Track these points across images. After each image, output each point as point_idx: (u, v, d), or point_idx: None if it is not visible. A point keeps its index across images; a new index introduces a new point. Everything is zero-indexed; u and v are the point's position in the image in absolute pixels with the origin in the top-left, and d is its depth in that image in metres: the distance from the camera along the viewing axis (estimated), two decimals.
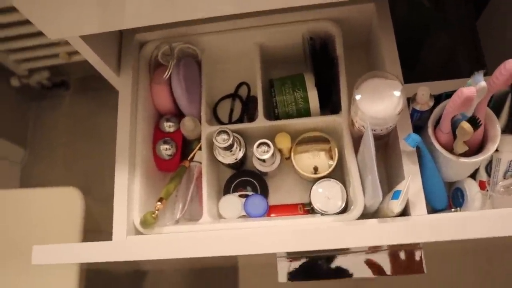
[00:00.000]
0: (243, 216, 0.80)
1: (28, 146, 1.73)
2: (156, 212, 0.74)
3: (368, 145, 0.66)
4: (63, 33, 0.68)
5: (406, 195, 0.67)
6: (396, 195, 0.67)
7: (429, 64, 1.03)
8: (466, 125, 0.60)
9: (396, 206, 0.66)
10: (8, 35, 1.38)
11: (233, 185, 0.85)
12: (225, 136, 0.75)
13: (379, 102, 0.66)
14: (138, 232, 0.77)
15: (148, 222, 0.74)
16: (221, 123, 0.89)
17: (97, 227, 1.21)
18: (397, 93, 0.66)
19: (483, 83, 0.59)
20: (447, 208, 0.78)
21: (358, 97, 0.67)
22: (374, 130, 0.69)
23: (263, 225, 0.73)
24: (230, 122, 0.89)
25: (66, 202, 1.09)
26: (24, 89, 1.67)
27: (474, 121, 0.61)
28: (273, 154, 0.78)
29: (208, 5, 0.64)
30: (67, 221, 1.08)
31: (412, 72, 0.94)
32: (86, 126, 1.74)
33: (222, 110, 0.91)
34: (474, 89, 0.59)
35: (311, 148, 0.83)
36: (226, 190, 0.85)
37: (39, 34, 1.39)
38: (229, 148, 0.77)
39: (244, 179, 0.85)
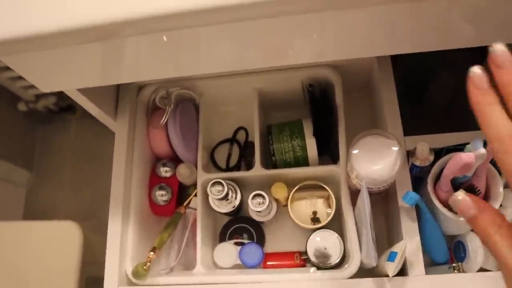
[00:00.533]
0: (238, 265, 0.78)
1: (34, 169, 1.74)
2: (148, 264, 0.73)
3: (363, 206, 0.64)
4: (58, 87, 0.68)
5: (402, 258, 0.65)
6: (392, 257, 0.65)
7: (434, 101, 1.01)
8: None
9: (392, 269, 0.63)
10: None
11: (229, 232, 0.83)
12: (219, 188, 0.74)
13: (376, 162, 0.64)
14: (130, 282, 0.76)
15: (139, 274, 0.73)
16: (218, 168, 0.88)
17: (95, 258, 1.20)
18: (394, 154, 0.64)
19: (482, 150, 0.57)
20: (448, 261, 0.76)
21: (354, 155, 0.65)
22: (371, 188, 0.67)
23: (256, 279, 0.72)
24: (228, 167, 0.88)
25: (64, 235, 1.09)
26: (31, 113, 1.68)
27: (472, 191, 0.58)
28: (268, 206, 0.76)
29: (209, 63, 0.63)
30: (65, 254, 1.07)
31: (416, 108, 0.92)
32: (92, 150, 1.74)
33: (220, 154, 0.90)
34: (473, 155, 0.57)
35: (309, 195, 0.81)
36: (222, 237, 0.83)
37: None
38: (224, 198, 0.75)
39: (240, 225, 0.84)
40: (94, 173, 1.71)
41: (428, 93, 0.99)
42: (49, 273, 1.06)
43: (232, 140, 0.89)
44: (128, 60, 0.60)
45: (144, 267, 0.72)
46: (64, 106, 1.72)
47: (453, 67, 0.99)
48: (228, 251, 0.79)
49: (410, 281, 0.67)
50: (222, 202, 0.77)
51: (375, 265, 0.64)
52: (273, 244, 0.84)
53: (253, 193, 0.76)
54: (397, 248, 0.65)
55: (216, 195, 0.74)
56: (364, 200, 0.64)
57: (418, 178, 0.74)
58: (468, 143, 0.65)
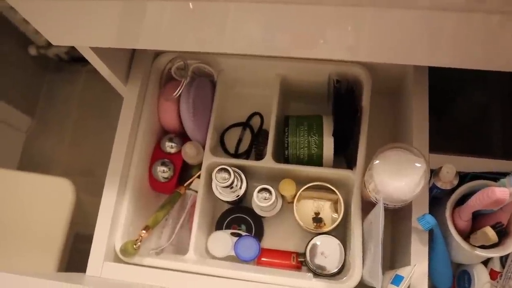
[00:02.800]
0: (231, 257, 0.73)
1: (36, 116, 1.68)
2: (139, 243, 0.68)
3: (377, 222, 0.59)
4: (70, 41, 0.62)
5: (408, 284, 0.60)
6: (397, 281, 0.60)
7: (460, 118, 0.95)
8: (491, 233, 0.53)
9: None
10: None
11: (226, 221, 0.79)
12: (225, 175, 0.69)
13: (398, 179, 0.59)
14: (117, 258, 0.71)
15: (128, 252, 0.68)
16: (226, 152, 0.83)
17: (85, 217, 1.16)
18: (419, 174, 0.58)
19: None
20: None
21: (376, 167, 0.60)
22: (386, 205, 0.62)
23: (250, 277, 0.67)
24: (236, 152, 0.82)
25: (57, 192, 1.04)
26: (41, 59, 1.61)
27: (499, 229, 0.53)
28: (273, 202, 0.71)
29: (234, 42, 0.57)
30: (56, 211, 1.03)
31: (441, 122, 0.86)
32: (98, 105, 1.68)
33: (230, 138, 0.84)
34: (508, 192, 0.51)
35: (317, 196, 0.76)
36: (219, 225, 0.78)
37: None
38: (229, 186, 0.70)
39: (240, 215, 0.79)
40: (97, 130, 1.65)
41: (454, 108, 0.93)
42: (37, 226, 1.01)
43: (245, 125, 0.83)
44: (148, 24, 0.54)
45: (135, 246, 0.68)
46: (75, 56, 1.65)
47: (484, 83, 0.93)
48: (223, 240, 0.74)
49: None
50: (226, 190, 0.72)
51: (379, 287, 0.59)
52: (270, 240, 0.79)
53: (259, 187, 0.70)
54: (404, 272, 0.60)
55: (221, 183, 0.69)
56: (379, 217, 0.59)
57: (434, 198, 0.69)
58: (497, 173, 0.59)
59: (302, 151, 0.75)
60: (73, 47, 1.54)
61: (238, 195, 0.73)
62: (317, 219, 0.75)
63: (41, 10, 0.54)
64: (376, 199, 0.63)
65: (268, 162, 0.74)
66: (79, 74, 1.70)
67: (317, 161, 0.75)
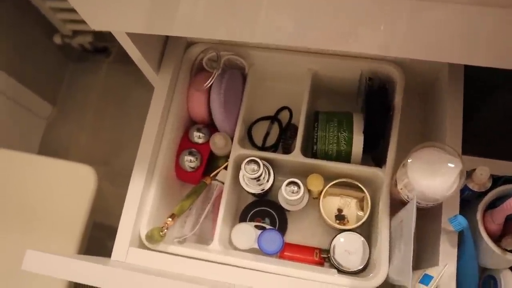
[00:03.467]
0: (254, 249, 0.73)
1: (58, 104, 1.70)
2: (165, 230, 0.68)
3: (409, 221, 0.58)
4: (108, 26, 0.62)
5: (437, 284, 0.59)
6: (426, 280, 0.59)
7: (488, 121, 0.94)
8: None
9: None
10: None
11: (250, 214, 0.78)
12: (255, 167, 0.68)
13: (432, 178, 0.58)
14: (141, 245, 0.71)
15: (154, 239, 0.68)
16: (253, 145, 0.82)
17: (103, 205, 1.16)
18: (455, 174, 0.57)
19: None
20: None
21: (411, 165, 0.59)
22: (418, 203, 0.61)
23: (273, 269, 0.67)
24: (263, 146, 0.82)
25: (79, 178, 1.04)
26: (66, 48, 1.63)
27: None
28: (301, 196, 0.70)
29: (265, 34, 0.56)
30: (77, 197, 1.03)
31: (467, 125, 0.85)
32: (119, 97, 1.69)
33: (258, 131, 0.83)
34: None
35: (343, 193, 0.75)
36: (243, 217, 0.78)
37: None
38: (256, 178, 0.70)
39: (264, 208, 0.78)
40: (116, 120, 1.66)
41: (484, 109, 0.91)
42: (58, 211, 1.02)
43: (273, 119, 0.83)
44: (183, 10, 0.54)
45: (161, 233, 0.67)
46: (99, 47, 1.66)
47: None
48: (247, 232, 0.73)
49: None
50: (253, 182, 0.72)
51: (409, 287, 0.58)
52: (293, 235, 0.79)
53: (288, 180, 0.70)
54: (434, 272, 0.60)
55: (250, 174, 0.68)
56: (411, 215, 0.58)
57: (463, 200, 0.67)
58: None
59: (331, 146, 0.74)
60: (96, 38, 1.55)
61: (265, 188, 0.73)
62: (340, 216, 0.74)
63: None
64: (408, 198, 0.63)
65: (296, 156, 0.73)
66: (102, 65, 1.71)
67: (345, 157, 0.75)
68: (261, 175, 0.69)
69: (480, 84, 0.85)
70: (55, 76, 1.69)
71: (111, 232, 1.53)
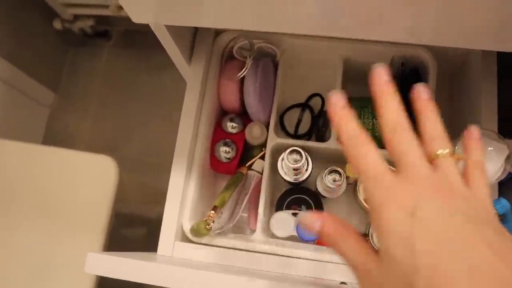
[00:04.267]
0: (292, 237, 0.74)
1: (60, 91, 1.66)
2: (211, 223, 0.69)
3: None
4: (149, 19, 0.60)
5: None
6: None
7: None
8: None
9: None
10: None
11: (286, 202, 0.79)
12: (297, 157, 0.69)
13: None
14: (185, 238, 0.71)
15: (201, 232, 0.68)
16: (286, 133, 0.82)
17: (123, 195, 1.16)
18: (503, 158, 0.59)
19: None
20: None
21: (458, 151, 0.60)
22: None
23: (320, 257, 0.68)
24: (296, 133, 0.82)
25: (101, 170, 1.03)
26: (65, 33, 1.58)
27: None
28: (342, 183, 0.71)
29: (295, 22, 0.56)
30: (100, 190, 1.02)
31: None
32: (121, 80, 1.66)
33: (289, 119, 0.83)
34: None
35: None
36: (279, 206, 0.79)
37: None
38: (298, 168, 0.70)
39: (299, 196, 0.79)
40: (121, 105, 1.64)
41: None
42: (81, 205, 1.01)
43: (304, 106, 0.83)
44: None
45: (207, 226, 0.68)
46: (99, 31, 1.62)
47: None
48: (285, 220, 0.74)
49: None
50: (292, 171, 0.72)
51: None
52: None
53: (329, 168, 0.71)
54: None
55: (292, 164, 0.69)
56: None
57: (499, 183, 0.69)
58: None
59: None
60: (98, 21, 1.51)
61: (304, 177, 0.73)
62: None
63: None
64: None
65: (333, 144, 0.74)
66: (103, 49, 1.67)
67: (380, 144, 0.75)
68: (302, 164, 0.69)
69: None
70: (56, 62, 1.65)
71: (125, 220, 1.53)
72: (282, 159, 0.72)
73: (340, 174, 0.70)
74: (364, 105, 0.76)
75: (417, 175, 0.33)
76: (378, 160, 0.35)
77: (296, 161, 0.69)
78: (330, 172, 0.71)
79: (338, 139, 0.37)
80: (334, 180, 0.71)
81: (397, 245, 0.30)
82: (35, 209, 1.01)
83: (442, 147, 0.35)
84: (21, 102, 1.52)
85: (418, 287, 0.28)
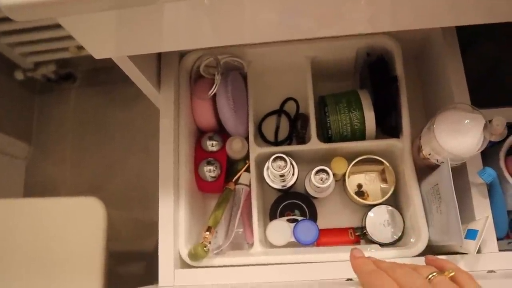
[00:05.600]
0: (291, 243, 0.73)
1: (33, 141, 1.63)
2: (208, 244, 0.67)
3: (447, 182, 0.60)
4: (111, 53, 0.60)
5: (482, 236, 0.61)
6: (472, 235, 0.61)
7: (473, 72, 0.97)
8: None
9: (474, 247, 0.60)
10: (16, 28, 1.26)
11: (279, 209, 0.78)
12: (281, 163, 0.68)
13: (460, 137, 0.60)
14: (185, 264, 0.70)
15: (199, 256, 0.67)
16: (266, 141, 0.82)
17: (113, 234, 1.13)
18: (480, 129, 0.59)
19: None
20: (504, 238, 0.73)
21: (437, 129, 0.60)
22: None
23: (320, 258, 0.67)
24: (277, 140, 0.82)
25: (88, 212, 1.01)
26: (29, 82, 1.56)
27: None
28: (331, 182, 0.71)
29: (255, 32, 0.56)
30: (91, 232, 1.00)
31: None
32: (93, 120, 1.64)
33: (267, 127, 0.83)
34: None
35: (365, 170, 0.77)
36: (272, 214, 0.78)
37: (48, 27, 1.28)
38: (284, 174, 0.69)
39: (291, 201, 0.78)
40: (97, 144, 1.61)
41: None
42: (74, 251, 0.98)
43: (280, 112, 0.83)
44: (169, 26, 0.53)
45: (205, 248, 0.66)
46: (63, 74, 1.60)
47: (493, 36, 0.94)
48: (282, 228, 0.74)
49: (485, 258, 0.63)
50: (279, 178, 0.72)
51: (462, 245, 0.60)
52: (324, 220, 0.79)
53: (316, 169, 0.70)
54: (476, 225, 0.62)
55: (277, 171, 0.68)
56: (448, 176, 0.60)
57: (482, 153, 0.70)
58: None
59: (345, 127, 0.75)
60: (59, 66, 1.49)
61: (291, 182, 0.73)
62: (360, 193, 0.76)
63: (86, 25, 0.52)
64: (438, 161, 0.64)
65: (315, 144, 0.74)
66: (70, 92, 1.65)
67: (360, 135, 0.76)
68: (288, 170, 0.69)
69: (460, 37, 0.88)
70: (24, 113, 1.62)
71: (119, 258, 1.50)
72: (267, 168, 0.71)
73: (327, 172, 0.70)
74: (338, 101, 0.76)
75: None
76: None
77: (281, 167, 0.68)
78: (317, 172, 0.70)
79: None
80: (322, 180, 0.70)
81: None
82: (27, 263, 0.98)
83: (429, 271, 0.45)
84: None
85: None
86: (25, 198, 1.03)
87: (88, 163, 1.60)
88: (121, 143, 1.58)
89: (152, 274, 1.41)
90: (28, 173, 1.60)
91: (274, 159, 0.68)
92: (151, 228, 1.46)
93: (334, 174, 0.75)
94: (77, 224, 1.00)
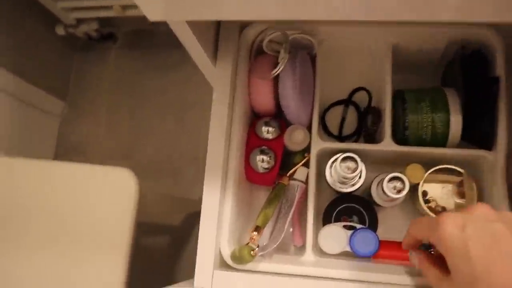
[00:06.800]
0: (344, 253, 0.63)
1: (68, 99, 1.55)
2: (256, 248, 0.57)
3: None
4: (167, 16, 0.49)
5: None
6: None
7: None
8: None
9: None
10: None
11: (335, 213, 0.67)
12: (351, 165, 0.57)
13: None
14: (224, 264, 0.60)
15: (244, 260, 0.57)
16: (329, 134, 0.70)
17: (141, 206, 1.04)
18: None
19: None
20: None
21: None
22: None
23: (382, 279, 0.57)
24: (340, 134, 0.70)
25: (120, 183, 0.92)
26: (69, 38, 1.47)
27: None
28: (406, 193, 0.59)
29: (331, 8, 0.44)
30: (121, 204, 0.91)
31: None
32: (131, 84, 1.55)
33: (331, 118, 0.71)
34: None
35: (437, 179, 0.65)
36: (327, 217, 0.67)
37: None
38: (352, 177, 0.58)
39: (349, 205, 0.67)
40: (131, 109, 1.53)
41: None
42: (100, 222, 0.90)
43: (348, 102, 0.71)
44: None
45: (252, 252, 0.56)
46: (104, 34, 1.50)
47: None
48: (337, 235, 0.63)
49: None
50: (342, 180, 0.60)
51: None
52: (383, 230, 0.68)
53: (390, 175, 0.59)
54: None
55: (345, 173, 0.57)
56: None
57: None
58: None
59: (425, 130, 0.63)
60: (102, 24, 1.39)
61: (357, 186, 0.62)
62: (426, 201, 0.64)
63: None
64: None
65: (388, 145, 0.62)
66: (110, 52, 1.56)
67: (441, 141, 0.63)
68: (357, 174, 0.58)
69: None
70: (62, 70, 1.53)
71: (145, 229, 1.43)
72: (332, 167, 0.60)
73: (402, 181, 0.58)
74: (420, 98, 0.63)
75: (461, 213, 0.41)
76: None
77: (350, 169, 0.57)
78: (391, 179, 0.59)
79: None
80: (395, 188, 0.59)
81: (456, 258, 0.38)
82: (51, 229, 0.91)
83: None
84: (30, 114, 1.41)
85: None
86: (55, 161, 0.95)
87: (121, 128, 1.52)
88: (156, 112, 1.49)
89: (176, 250, 1.34)
90: (61, 131, 1.53)
91: (344, 159, 0.57)
92: (179, 203, 1.37)
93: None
94: (107, 195, 0.92)
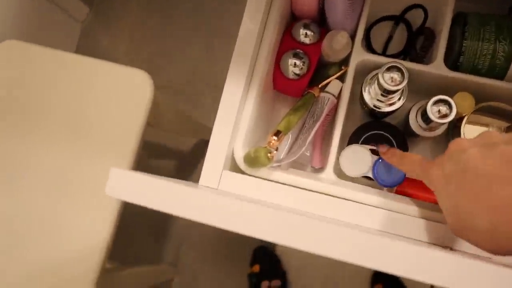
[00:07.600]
0: (367, 178, 0.56)
1: (95, 6, 1.47)
2: (274, 151, 0.51)
3: None
4: None
5: None
6: None
7: None
8: None
9: None
10: None
11: (363, 138, 0.60)
12: (396, 76, 0.49)
13: None
14: (234, 167, 0.54)
15: (259, 162, 0.50)
16: (372, 51, 0.62)
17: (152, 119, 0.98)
18: None
19: None
20: None
21: None
22: None
23: (402, 209, 0.50)
24: (385, 53, 0.62)
25: (135, 86, 0.86)
26: None
27: None
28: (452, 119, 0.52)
29: None
30: (133, 107, 0.85)
31: None
32: (161, 1, 1.46)
33: (377, 34, 0.63)
34: None
35: (482, 121, 0.57)
36: (353, 141, 0.60)
37: None
38: (392, 92, 0.51)
39: (379, 133, 0.60)
40: (159, 26, 1.44)
41: None
42: (111, 120, 0.84)
43: (399, 19, 0.62)
44: None
45: (269, 154, 0.50)
46: None
47: None
48: (361, 157, 0.56)
49: None
50: (382, 97, 0.53)
51: None
52: None
53: (436, 98, 0.51)
54: None
55: (389, 85, 0.49)
56: None
57: None
58: None
59: (482, 59, 0.55)
60: None
61: (396, 107, 0.54)
62: None
63: None
64: None
65: (439, 68, 0.54)
66: None
67: (499, 73, 0.55)
68: (402, 88, 0.50)
69: None
70: None
71: (154, 150, 1.38)
72: (372, 79, 0.52)
73: (449, 105, 0.51)
74: (484, 22, 0.55)
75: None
76: None
77: (394, 81, 0.49)
78: (436, 102, 0.51)
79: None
80: (439, 113, 0.51)
81: (441, 199, 0.40)
82: (62, 119, 0.85)
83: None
84: (54, 14, 1.33)
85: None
86: (76, 54, 0.88)
87: (146, 43, 1.44)
88: (183, 34, 1.41)
89: (181, 175, 1.28)
90: (81, 38, 1.46)
91: (389, 68, 0.49)
92: (193, 128, 1.32)
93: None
94: (121, 93, 0.86)
